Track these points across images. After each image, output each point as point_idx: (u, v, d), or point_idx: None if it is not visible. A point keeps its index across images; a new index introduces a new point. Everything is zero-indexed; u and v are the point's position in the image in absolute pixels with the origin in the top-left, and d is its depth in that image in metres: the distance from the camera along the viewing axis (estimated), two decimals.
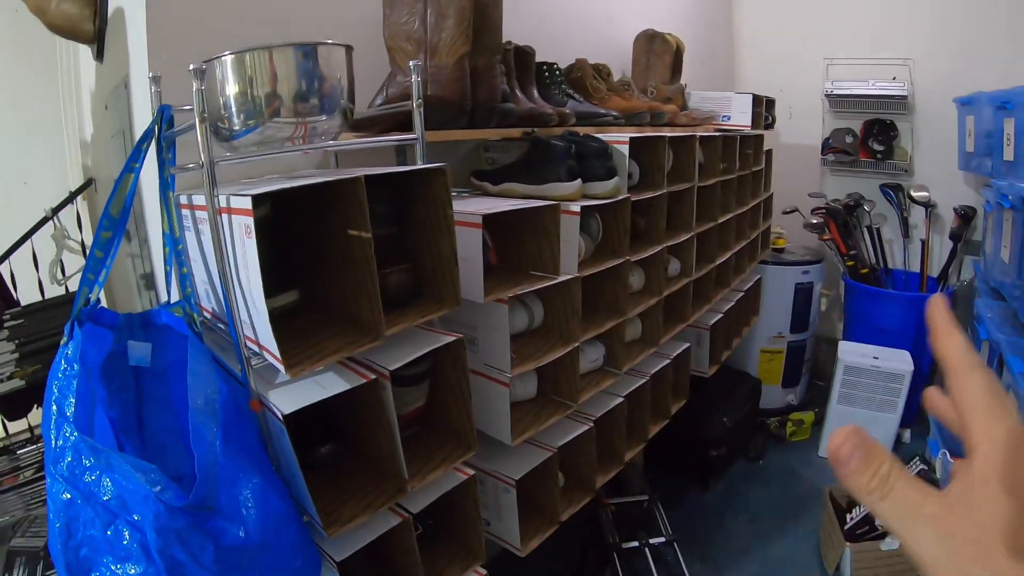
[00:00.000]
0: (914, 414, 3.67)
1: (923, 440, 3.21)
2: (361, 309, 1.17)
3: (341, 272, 1.21)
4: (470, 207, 1.45)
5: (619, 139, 1.85)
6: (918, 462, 2.76)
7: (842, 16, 4.21)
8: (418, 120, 1.37)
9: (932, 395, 0.49)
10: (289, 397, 1.10)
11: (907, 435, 3.66)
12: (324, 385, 1.14)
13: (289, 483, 1.14)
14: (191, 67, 1.04)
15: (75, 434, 1.04)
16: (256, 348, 1.13)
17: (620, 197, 1.79)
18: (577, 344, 1.68)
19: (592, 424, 1.84)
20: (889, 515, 0.39)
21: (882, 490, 0.39)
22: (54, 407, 1.08)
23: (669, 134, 2.10)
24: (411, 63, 1.36)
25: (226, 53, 1.12)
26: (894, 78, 4.02)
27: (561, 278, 1.58)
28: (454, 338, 1.28)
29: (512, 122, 1.78)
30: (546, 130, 1.86)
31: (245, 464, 1.05)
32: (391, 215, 1.31)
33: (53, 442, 1.06)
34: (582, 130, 1.94)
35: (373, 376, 1.15)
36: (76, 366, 1.10)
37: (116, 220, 1.19)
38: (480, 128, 1.71)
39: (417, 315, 1.23)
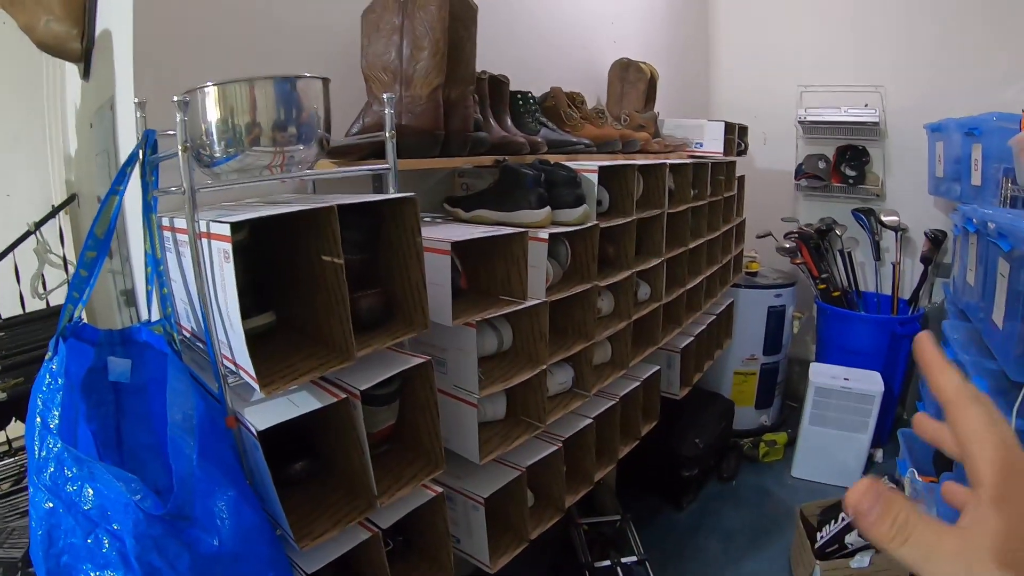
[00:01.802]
0: (885, 434, 3.74)
1: (894, 460, 3.27)
2: (333, 331, 1.22)
3: (314, 295, 1.25)
4: (440, 233, 1.50)
5: (589, 167, 1.90)
6: (887, 481, 2.81)
7: (816, 44, 4.29)
8: (390, 150, 1.43)
9: (922, 421, 0.51)
10: (264, 414, 1.14)
11: (879, 455, 3.72)
12: (297, 403, 1.18)
13: (263, 497, 1.18)
14: (175, 99, 1.09)
15: (58, 445, 1.08)
16: (232, 367, 1.17)
17: (589, 224, 1.83)
18: (545, 367, 1.72)
19: (561, 444, 1.87)
20: (909, 559, 0.42)
21: (901, 536, 0.42)
22: (38, 419, 1.12)
23: (639, 162, 2.15)
24: (385, 95, 1.41)
25: (208, 84, 1.17)
26: (866, 105, 4.10)
27: (529, 303, 1.62)
28: (423, 360, 1.33)
29: (484, 151, 1.82)
30: (517, 158, 1.91)
31: (220, 477, 1.09)
32: (363, 241, 1.36)
33: (36, 453, 1.10)
34: (553, 158, 1.99)
35: (344, 395, 1.20)
36: (60, 380, 1.14)
37: (101, 240, 1.23)
38: (453, 157, 1.76)
39: (387, 338, 1.28)
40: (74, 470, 1.06)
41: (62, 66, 2.82)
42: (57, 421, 1.11)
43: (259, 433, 1.10)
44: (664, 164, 2.32)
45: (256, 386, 1.09)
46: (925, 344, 0.48)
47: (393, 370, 1.29)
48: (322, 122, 1.29)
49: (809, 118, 4.22)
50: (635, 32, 3.60)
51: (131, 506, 1.00)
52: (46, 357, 1.18)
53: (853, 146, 4.20)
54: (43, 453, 1.09)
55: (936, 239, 3.89)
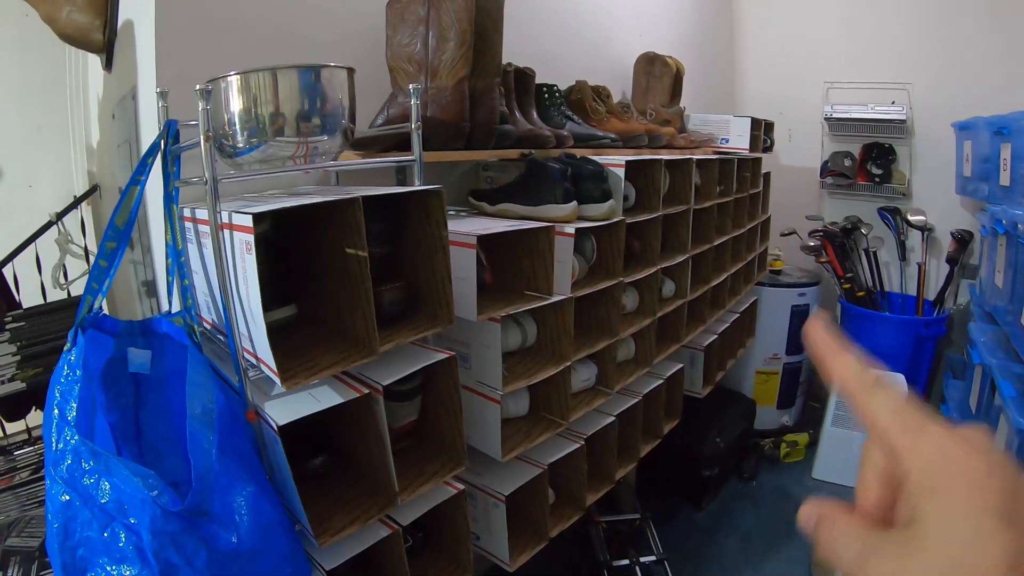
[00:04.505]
0: None
1: None
2: (356, 325, 1.20)
3: (337, 288, 1.23)
4: (466, 227, 1.48)
5: (615, 162, 1.87)
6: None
7: (842, 40, 4.23)
8: (416, 142, 1.41)
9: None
10: (284, 409, 1.13)
11: None
12: (319, 398, 1.16)
13: (282, 492, 1.16)
14: (197, 87, 1.07)
15: (76, 437, 1.06)
16: (253, 360, 1.16)
17: (615, 219, 1.81)
18: (569, 363, 1.70)
19: (583, 442, 1.85)
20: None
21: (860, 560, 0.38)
22: (56, 411, 1.11)
23: (666, 157, 2.12)
24: (411, 86, 1.39)
25: (231, 73, 1.16)
26: (893, 102, 4.04)
27: (554, 298, 1.60)
28: (446, 355, 1.30)
29: (510, 144, 1.80)
30: (543, 152, 1.88)
31: (240, 472, 1.07)
32: (387, 234, 1.34)
33: (54, 445, 1.08)
34: (579, 152, 1.96)
35: (367, 391, 1.18)
36: (79, 372, 1.13)
37: (121, 231, 1.22)
38: (478, 149, 1.73)
39: (411, 332, 1.26)
40: (91, 463, 1.04)
41: (84, 57, 2.83)
42: (75, 413, 1.09)
43: (279, 428, 1.08)
44: (691, 159, 2.29)
45: (277, 380, 1.07)
46: (816, 329, 0.42)
47: (416, 365, 1.27)
48: (347, 113, 1.27)
49: (835, 115, 4.16)
50: (660, 26, 3.57)
51: (148, 502, 0.98)
52: (65, 348, 1.17)
53: (879, 144, 4.14)
54: (60, 445, 1.08)
55: (963, 240, 3.82)
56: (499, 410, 1.54)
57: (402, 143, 1.53)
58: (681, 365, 2.47)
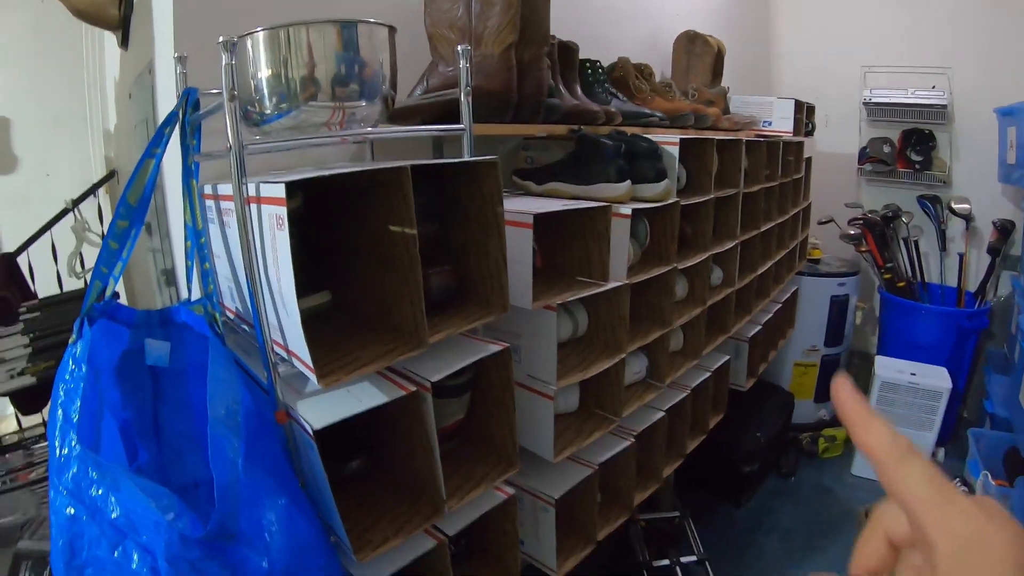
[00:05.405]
0: (948, 432, 3.57)
1: (957, 459, 3.18)
2: (402, 313, 1.07)
3: (378, 272, 1.11)
4: (518, 206, 1.35)
5: (669, 140, 1.75)
6: (958, 483, 2.65)
7: (881, 24, 4.12)
8: (466, 110, 1.27)
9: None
10: (320, 409, 0.99)
11: (941, 454, 3.54)
12: (359, 397, 1.03)
13: (316, 502, 1.04)
14: (221, 39, 0.94)
15: (79, 445, 0.95)
16: (284, 354, 1.03)
17: (670, 200, 1.70)
18: (623, 355, 1.58)
19: (633, 439, 1.74)
20: None
21: None
22: (60, 412, 0.99)
23: (716, 137, 2.01)
24: (459, 48, 1.25)
25: (259, 29, 1.03)
26: (933, 87, 3.93)
27: (610, 285, 1.48)
28: (501, 347, 1.18)
29: (557, 118, 1.69)
30: (592, 128, 1.76)
31: (269, 483, 0.95)
32: (432, 212, 1.22)
33: (58, 450, 0.96)
34: (628, 130, 1.84)
35: (414, 388, 1.05)
36: (84, 367, 1.01)
37: (134, 209, 1.10)
38: (526, 123, 1.62)
39: (462, 321, 1.13)
40: (97, 474, 0.92)
41: (101, 41, 2.80)
42: (78, 415, 0.97)
43: (315, 432, 0.95)
44: (740, 141, 2.17)
45: (312, 377, 0.95)
46: (845, 394, 0.42)
47: (468, 358, 1.14)
48: (387, 78, 1.14)
49: (874, 100, 4.05)
50: (696, 6, 3.47)
51: (162, 524, 0.86)
52: (70, 341, 1.05)
53: (919, 130, 4.03)
54: (64, 451, 0.95)
55: (1004, 229, 3.70)
56: (552, 407, 1.41)
57: (444, 115, 1.41)
58: (728, 357, 2.36)
